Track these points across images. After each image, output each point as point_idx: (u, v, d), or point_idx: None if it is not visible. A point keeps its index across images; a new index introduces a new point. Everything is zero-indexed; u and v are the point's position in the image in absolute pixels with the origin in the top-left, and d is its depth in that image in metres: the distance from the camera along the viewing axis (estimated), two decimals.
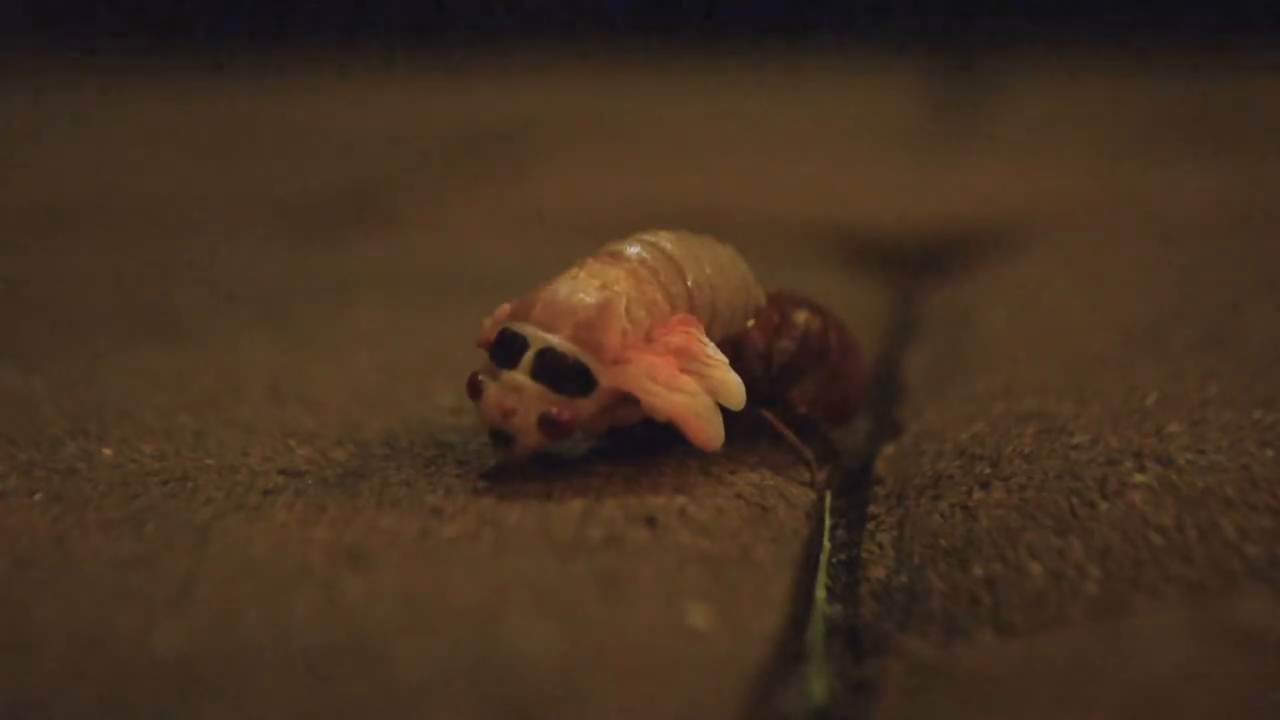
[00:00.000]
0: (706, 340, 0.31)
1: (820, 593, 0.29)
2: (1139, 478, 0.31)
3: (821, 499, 0.33)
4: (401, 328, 0.46)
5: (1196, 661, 0.24)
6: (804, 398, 0.34)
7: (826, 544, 0.32)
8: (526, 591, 0.26)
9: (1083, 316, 0.46)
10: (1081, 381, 0.38)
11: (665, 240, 0.32)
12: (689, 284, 0.32)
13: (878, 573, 0.30)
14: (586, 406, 0.30)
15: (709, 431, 0.30)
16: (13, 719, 0.22)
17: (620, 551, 0.28)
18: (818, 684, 0.26)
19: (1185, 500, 0.30)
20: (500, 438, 0.30)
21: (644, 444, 0.32)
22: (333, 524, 0.29)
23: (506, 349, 0.30)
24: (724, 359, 0.31)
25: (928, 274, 0.56)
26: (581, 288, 0.31)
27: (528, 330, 0.30)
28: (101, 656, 0.24)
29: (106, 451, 0.34)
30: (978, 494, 0.31)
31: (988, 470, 0.33)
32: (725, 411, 0.31)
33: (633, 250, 0.32)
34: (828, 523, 0.32)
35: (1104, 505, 0.30)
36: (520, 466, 0.32)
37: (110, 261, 0.58)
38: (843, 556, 0.31)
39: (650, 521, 0.29)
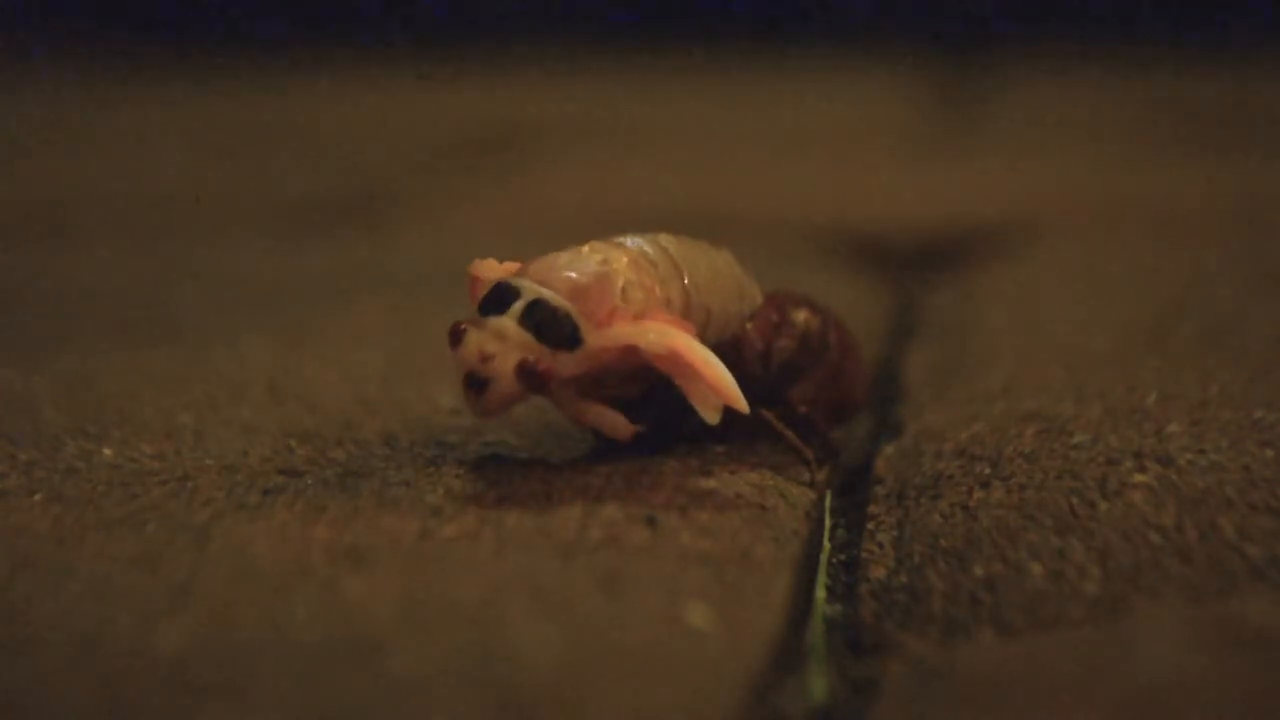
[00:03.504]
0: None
1: (820, 593, 0.29)
2: (1139, 478, 0.31)
3: (821, 499, 0.33)
4: (401, 328, 0.46)
5: (1196, 661, 0.24)
6: (804, 397, 0.34)
7: (826, 544, 0.32)
8: (526, 591, 0.26)
9: (1083, 316, 0.46)
10: (1081, 381, 0.38)
11: (665, 240, 0.32)
12: (686, 283, 0.32)
13: (878, 573, 0.30)
14: (568, 363, 0.30)
15: (721, 375, 0.30)
16: (12, 719, 0.22)
17: (620, 551, 0.28)
18: (818, 684, 0.26)
19: (1185, 500, 0.30)
20: (474, 384, 0.30)
21: (645, 442, 0.32)
22: (333, 524, 0.29)
23: (497, 299, 0.30)
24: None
25: (928, 274, 0.56)
26: (582, 259, 0.31)
27: (523, 283, 0.30)
28: (101, 656, 0.24)
29: (106, 451, 0.34)
30: (978, 494, 0.31)
31: (988, 470, 0.33)
32: (726, 411, 0.31)
33: (635, 242, 0.32)
34: (828, 523, 0.32)
35: (1104, 505, 0.30)
36: (519, 469, 0.32)
37: (110, 261, 0.58)
38: (843, 556, 0.31)
39: (650, 521, 0.29)
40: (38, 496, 0.31)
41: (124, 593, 0.26)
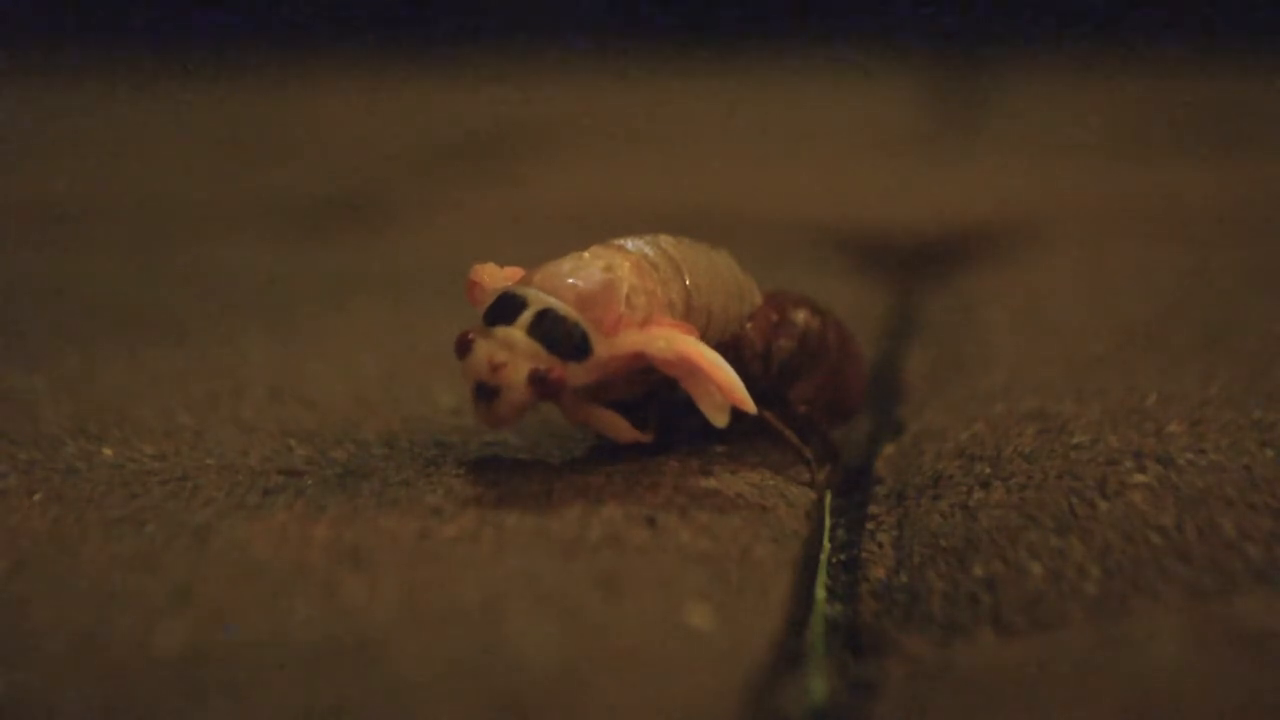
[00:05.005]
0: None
1: (820, 593, 0.29)
2: (1139, 478, 0.31)
3: (821, 499, 0.33)
4: (401, 328, 0.46)
5: (1196, 661, 0.24)
6: (803, 397, 0.34)
7: (826, 544, 0.32)
8: (526, 591, 0.26)
9: (1083, 316, 0.46)
10: (1081, 381, 0.38)
11: (665, 241, 0.32)
12: (687, 283, 0.32)
13: (878, 573, 0.30)
14: (578, 373, 0.30)
15: (729, 378, 0.30)
16: (12, 719, 0.22)
17: (620, 551, 0.28)
18: (818, 684, 0.26)
19: (1185, 500, 0.30)
20: (484, 393, 0.30)
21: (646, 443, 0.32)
22: (333, 524, 0.29)
23: (503, 309, 0.30)
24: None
25: (928, 274, 0.56)
26: (586, 265, 0.31)
27: (529, 292, 0.30)
28: (101, 656, 0.24)
29: (106, 451, 0.34)
30: (978, 494, 0.31)
31: (988, 470, 0.33)
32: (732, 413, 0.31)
33: (636, 244, 0.32)
34: (828, 523, 0.32)
35: (1104, 505, 0.30)
36: (519, 469, 0.32)
37: (110, 261, 0.58)
38: (843, 556, 0.31)
39: (650, 521, 0.29)
40: (38, 496, 0.31)
41: (124, 593, 0.26)
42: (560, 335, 0.30)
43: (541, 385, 0.30)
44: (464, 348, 0.30)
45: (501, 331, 0.30)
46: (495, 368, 0.30)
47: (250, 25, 1.56)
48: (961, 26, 1.49)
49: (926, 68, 1.37)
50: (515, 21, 1.55)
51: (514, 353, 0.30)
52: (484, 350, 0.30)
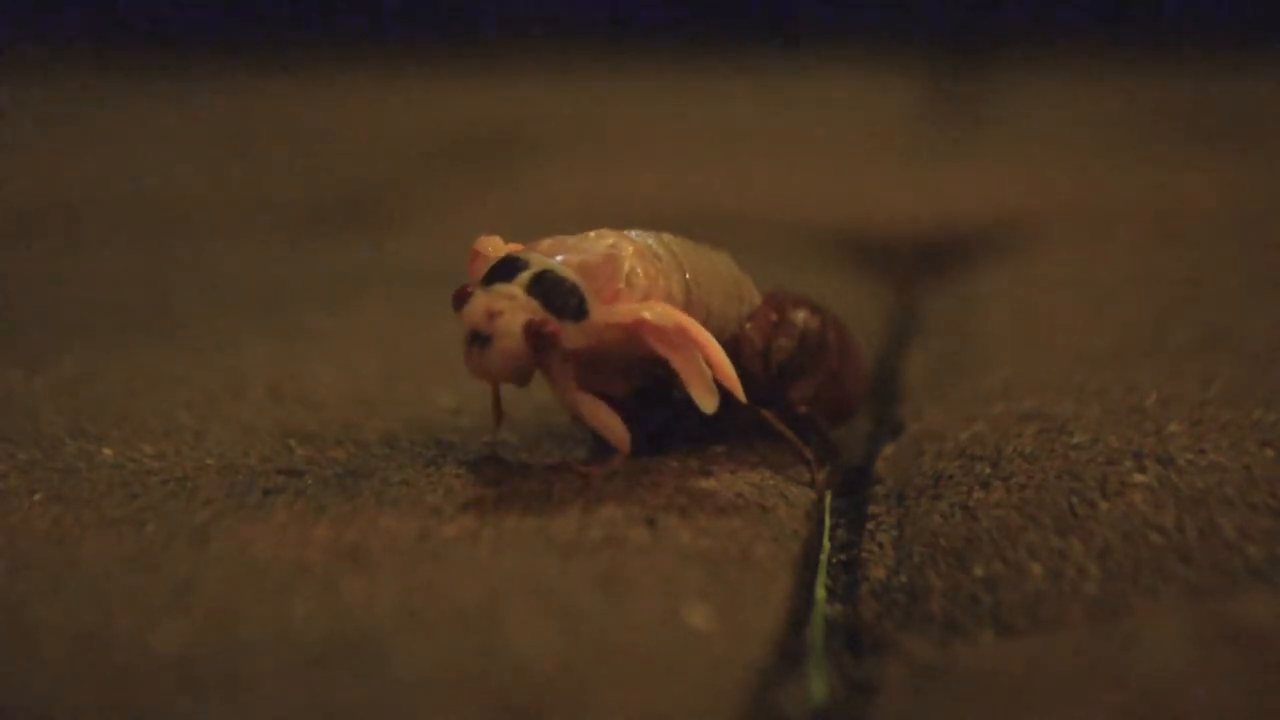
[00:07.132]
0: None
1: (820, 593, 0.29)
2: (1139, 478, 0.31)
3: (821, 499, 0.33)
4: (401, 328, 0.46)
5: (1196, 661, 0.24)
6: (803, 397, 0.34)
7: (826, 544, 0.32)
8: (526, 591, 0.26)
9: (1083, 316, 0.46)
10: (1081, 381, 0.38)
11: (667, 238, 0.32)
12: (687, 277, 0.32)
13: (878, 573, 0.30)
14: (574, 334, 0.30)
15: (723, 357, 0.30)
16: (12, 719, 0.22)
17: (620, 551, 0.28)
18: (818, 684, 0.26)
19: (1185, 500, 0.30)
20: (477, 340, 0.30)
21: (645, 440, 0.32)
22: (333, 524, 0.29)
23: (504, 269, 0.30)
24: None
25: (928, 274, 0.56)
26: (591, 241, 0.31)
27: (532, 256, 0.31)
28: (101, 656, 0.24)
29: (106, 451, 0.34)
30: (978, 494, 0.31)
31: (988, 470, 0.33)
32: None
33: (640, 235, 0.32)
34: (828, 523, 0.32)
35: (1104, 505, 0.30)
36: (518, 469, 0.32)
37: (110, 261, 0.58)
38: (843, 556, 0.31)
39: (650, 521, 0.29)
40: (38, 496, 0.31)
41: (124, 593, 0.26)
42: (559, 294, 0.30)
43: (536, 337, 0.30)
44: (461, 299, 0.30)
45: (501, 287, 0.30)
46: (492, 315, 0.30)
47: (250, 24, 1.56)
48: (961, 25, 1.49)
49: (926, 68, 1.37)
50: (515, 21, 1.55)
51: (513, 303, 0.30)
52: (482, 299, 0.30)
